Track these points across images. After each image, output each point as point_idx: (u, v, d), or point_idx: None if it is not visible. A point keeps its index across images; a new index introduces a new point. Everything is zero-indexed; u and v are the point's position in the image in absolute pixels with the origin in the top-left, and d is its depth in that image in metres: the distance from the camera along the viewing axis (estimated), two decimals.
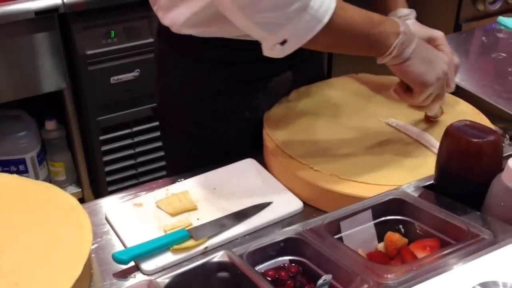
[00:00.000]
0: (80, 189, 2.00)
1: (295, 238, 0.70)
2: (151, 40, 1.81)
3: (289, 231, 0.70)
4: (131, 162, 2.01)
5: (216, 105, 1.07)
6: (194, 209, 0.90)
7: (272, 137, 0.99)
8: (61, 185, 2.00)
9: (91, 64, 1.76)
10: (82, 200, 2.01)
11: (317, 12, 0.82)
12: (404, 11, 1.04)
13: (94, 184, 2.02)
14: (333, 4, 0.83)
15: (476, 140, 0.70)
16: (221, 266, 0.67)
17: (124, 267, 0.80)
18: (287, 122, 1.03)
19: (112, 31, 1.75)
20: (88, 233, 0.79)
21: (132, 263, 0.80)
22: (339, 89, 1.13)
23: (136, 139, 1.97)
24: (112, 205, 0.92)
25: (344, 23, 0.85)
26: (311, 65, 1.15)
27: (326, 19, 0.82)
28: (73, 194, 1.96)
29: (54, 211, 0.83)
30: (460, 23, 2.43)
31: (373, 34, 0.86)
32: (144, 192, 0.95)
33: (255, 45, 0.88)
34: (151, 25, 1.79)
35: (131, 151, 1.99)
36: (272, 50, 0.85)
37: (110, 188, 2.01)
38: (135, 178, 2.05)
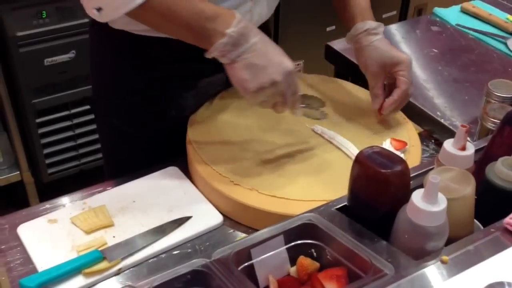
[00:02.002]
0: (18, 172, 1.95)
1: (201, 271, 0.68)
2: (86, 20, 1.73)
3: (195, 263, 0.69)
4: (72, 143, 1.97)
5: (143, 102, 1.05)
6: (111, 225, 0.88)
7: (194, 145, 0.96)
8: None
9: (22, 46, 1.69)
10: (21, 183, 1.97)
11: None
12: (373, 24, 1.00)
13: (34, 166, 1.97)
14: None
15: (383, 170, 0.69)
16: None
17: None
18: (210, 128, 1.01)
19: (44, 11, 1.67)
20: None
21: None
22: None
23: (75, 121, 1.93)
24: (24, 221, 0.89)
25: (164, 7, 0.84)
26: None
27: (132, 6, 0.82)
28: (11, 177, 1.95)
29: None
30: None
31: (197, 27, 0.83)
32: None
33: (186, 45, 0.87)
34: None
35: (70, 133, 1.95)
36: (90, 13, 0.87)
37: (50, 170, 1.98)
38: (76, 160, 2.01)
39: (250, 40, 0.83)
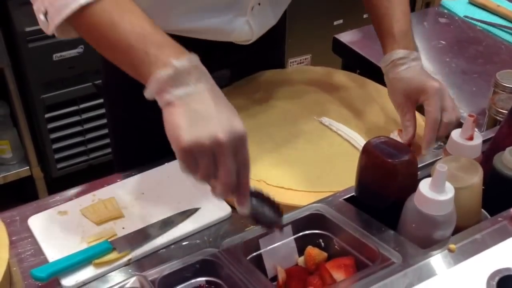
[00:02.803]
0: (28, 167, 1.97)
1: (210, 260, 0.69)
2: None
3: (204, 253, 0.70)
4: (80, 138, 1.99)
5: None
6: (120, 216, 0.88)
7: None
8: (8, 162, 1.97)
9: (31, 41, 1.70)
10: (30, 178, 1.98)
11: None
12: (400, 53, 0.89)
13: (43, 161, 1.99)
14: None
15: (390, 160, 0.69)
16: None
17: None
18: None
19: None
20: (5, 250, 0.77)
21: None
22: (275, 83, 1.11)
23: (84, 116, 1.94)
24: (35, 213, 0.89)
25: (105, 16, 0.69)
26: (253, 63, 1.12)
27: (74, 6, 0.70)
28: (21, 172, 1.96)
29: None
30: None
31: (138, 49, 0.68)
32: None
33: (189, 41, 0.85)
34: None
35: (79, 128, 1.96)
36: (40, 20, 0.76)
37: (60, 165, 1.99)
38: (85, 155, 2.02)
39: (198, 84, 0.66)
